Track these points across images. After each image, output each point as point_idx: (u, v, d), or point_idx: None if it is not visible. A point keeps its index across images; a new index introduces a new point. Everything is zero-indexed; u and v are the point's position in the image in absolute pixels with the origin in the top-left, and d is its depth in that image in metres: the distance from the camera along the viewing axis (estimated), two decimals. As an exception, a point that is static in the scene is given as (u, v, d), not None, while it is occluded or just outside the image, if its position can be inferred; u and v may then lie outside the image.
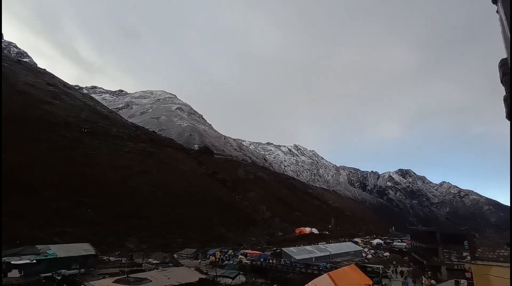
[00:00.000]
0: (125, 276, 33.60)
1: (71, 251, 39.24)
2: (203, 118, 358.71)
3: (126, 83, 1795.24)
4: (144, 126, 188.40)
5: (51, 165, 77.44)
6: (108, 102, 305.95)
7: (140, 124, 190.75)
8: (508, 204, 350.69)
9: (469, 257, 21.36)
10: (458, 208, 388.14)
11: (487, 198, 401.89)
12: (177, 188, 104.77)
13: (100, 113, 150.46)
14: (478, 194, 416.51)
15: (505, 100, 3.42)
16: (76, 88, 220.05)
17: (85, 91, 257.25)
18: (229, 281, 37.51)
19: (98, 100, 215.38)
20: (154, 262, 49.79)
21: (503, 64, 3.53)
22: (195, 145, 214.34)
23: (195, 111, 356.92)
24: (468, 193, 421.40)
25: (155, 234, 73.57)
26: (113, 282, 30.54)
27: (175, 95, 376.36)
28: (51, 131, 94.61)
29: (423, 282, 39.78)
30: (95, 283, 30.24)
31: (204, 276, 37.79)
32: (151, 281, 31.86)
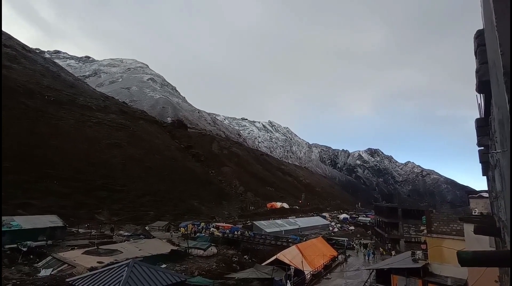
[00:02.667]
0: (95, 247, 33.29)
1: (37, 223, 37.92)
2: (176, 90, 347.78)
3: (93, 49, 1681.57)
4: (114, 97, 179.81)
5: (11, 135, 72.41)
6: (73, 69, 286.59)
7: (110, 94, 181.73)
8: (464, 183, 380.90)
9: (425, 231, 23.25)
10: (419, 186, 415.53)
11: (446, 178, 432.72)
12: (150, 162, 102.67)
13: (65, 80, 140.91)
14: (438, 173, 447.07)
15: (477, 72, 3.49)
16: (37, 52, 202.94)
17: (47, 56, 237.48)
18: (200, 252, 38.28)
19: (63, 66, 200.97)
20: (125, 234, 49.48)
21: (479, 35, 3.59)
22: (168, 118, 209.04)
23: (168, 83, 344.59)
24: (430, 172, 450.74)
25: (127, 206, 72.55)
26: (82, 253, 30.19)
27: (147, 65, 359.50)
28: (10, 97, 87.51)
29: (381, 252, 43.35)
30: (64, 254, 29.75)
31: (176, 248, 38.30)
32: (122, 252, 31.84)
